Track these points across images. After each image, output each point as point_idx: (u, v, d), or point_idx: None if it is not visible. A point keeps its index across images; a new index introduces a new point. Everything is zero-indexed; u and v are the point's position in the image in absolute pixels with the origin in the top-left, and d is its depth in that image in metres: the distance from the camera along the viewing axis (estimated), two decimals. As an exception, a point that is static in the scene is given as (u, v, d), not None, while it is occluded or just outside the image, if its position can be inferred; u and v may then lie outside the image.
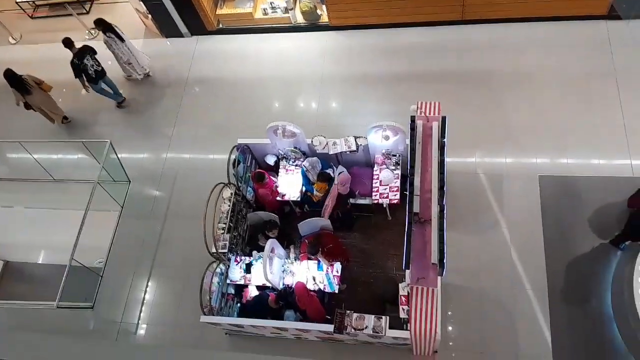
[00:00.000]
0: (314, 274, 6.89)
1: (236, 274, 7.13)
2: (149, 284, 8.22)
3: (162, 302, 8.04)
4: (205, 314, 6.49)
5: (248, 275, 7.11)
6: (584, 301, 6.88)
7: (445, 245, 5.37)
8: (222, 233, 7.04)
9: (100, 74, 9.49)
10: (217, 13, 10.47)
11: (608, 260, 7.03)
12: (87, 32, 11.22)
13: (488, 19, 9.33)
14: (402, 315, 6.05)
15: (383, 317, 6.03)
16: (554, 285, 7.02)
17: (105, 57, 9.68)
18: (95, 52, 9.37)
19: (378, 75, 9.39)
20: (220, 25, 10.58)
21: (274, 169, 7.89)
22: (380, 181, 7.35)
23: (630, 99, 8.16)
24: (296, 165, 7.71)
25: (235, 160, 7.35)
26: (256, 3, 10.33)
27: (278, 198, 7.62)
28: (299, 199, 7.60)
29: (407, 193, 5.88)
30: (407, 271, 5.56)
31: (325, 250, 6.95)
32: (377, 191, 7.33)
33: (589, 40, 8.87)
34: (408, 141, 6.36)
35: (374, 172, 7.46)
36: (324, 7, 9.92)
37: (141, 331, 7.85)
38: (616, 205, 7.32)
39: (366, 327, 5.98)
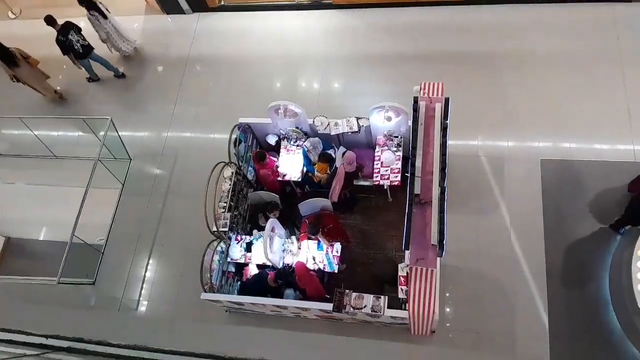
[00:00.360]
0: (314, 254, 6.93)
1: (237, 252, 7.18)
2: (150, 261, 8.27)
3: (162, 280, 8.11)
4: (205, 292, 6.55)
5: (248, 254, 7.16)
6: (582, 285, 6.92)
7: (445, 226, 5.39)
8: (223, 212, 7.06)
9: (88, 48, 9.38)
10: (219, -11, 10.32)
11: (607, 244, 7.06)
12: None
13: (494, 0, 9.19)
14: (401, 295, 6.11)
15: (382, 296, 6.08)
16: (552, 268, 7.07)
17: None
18: (79, 29, 9.26)
19: (381, 55, 9.29)
20: (222, 2, 10.41)
21: (275, 149, 7.86)
22: (382, 162, 7.34)
23: (634, 84, 8.08)
24: (297, 146, 7.68)
25: (236, 139, 7.33)
26: (259, -20, 10.18)
27: (279, 178, 7.61)
28: (299, 179, 7.60)
29: (409, 174, 5.88)
30: (407, 252, 5.59)
31: (326, 231, 6.98)
32: (378, 172, 7.32)
33: (595, 23, 8.75)
34: (410, 122, 6.32)
35: (376, 154, 7.44)
36: (327, -16, 9.78)
37: (142, 308, 7.92)
38: (617, 189, 7.32)
39: (365, 307, 6.03)
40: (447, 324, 6.97)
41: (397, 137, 7.41)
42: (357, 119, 7.37)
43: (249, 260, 7.15)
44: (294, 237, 7.18)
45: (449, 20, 9.33)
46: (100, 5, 9.22)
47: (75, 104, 10.02)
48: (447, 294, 7.13)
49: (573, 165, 7.68)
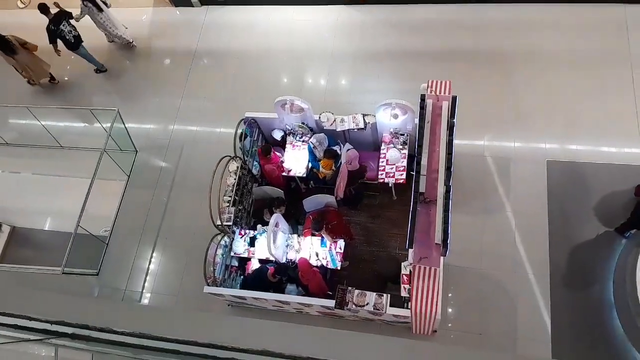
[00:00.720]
0: (317, 250, 6.92)
1: (240, 246, 7.19)
2: (154, 253, 8.30)
3: (166, 272, 8.14)
4: (208, 285, 6.57)
5: (252, 249, 7.16)
6: (586, 287, 6.89)
7: (449, 226, 5.37)
8: (228, 206, 7.06)
9: (79, 39, 9.45)
10: (228, -18, 10.29)
11: (612, 248, 7.02)
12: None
13: (504, -1, 9.14)
14: (403, 293, 6.10)
15: (384, 295, 6.08)
16: (556, 270, 7.03)
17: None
18: (72, 17, 9.31)
19: (389, 52, 9.25)
20: (231, -4, 10.41)
21: (281, 144, 7.86)
22: (387, 160, 7.31)
23: (644, 86, 8.02)
24: (303, 141, 7.67)
25: (242, 133, 7.33)
26: (268, -26, 10.14)
27: (284, 174, 7.61)
28: (304, 175, 7.59)
29: (414, 173, 5.86)
30: (410, 250, 5.59)
31: (330, 227, 6.97)
32: (384, 170, 7.30)
33: (606, 24, 8.66)
34: (417, 120, 6.30)
35: (381, 151, 7.41)
36: (337, -20, 9.74)
37: (145, 300, 7.96)
38: (623, 193, 7.27)
39: (367, 304, 6.04)
40: (449, 324, 6.96)
41: (403, 135, 7.39)
42: (364, 115, 7.35)
43: (252, 255, 7.16)
44: (295, 235, 7.18)
45: (458, 18, 9.27)
46: None
47: (82, 94, 10.04)
48: (450, 294, 7.12)
49: (579, 167, 7.64)
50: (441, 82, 6.35)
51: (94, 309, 3.14)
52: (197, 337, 2.72)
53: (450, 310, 7.06)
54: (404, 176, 7.18)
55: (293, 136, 7.74)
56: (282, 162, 7.66)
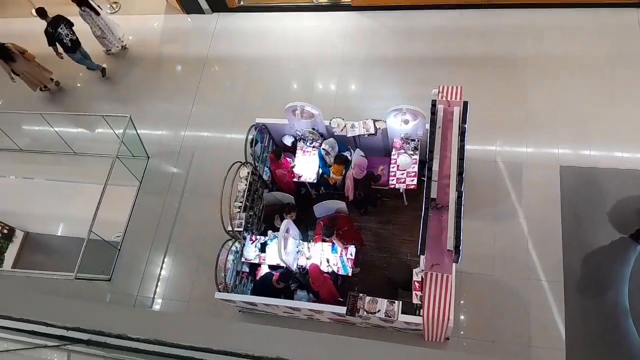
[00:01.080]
0: (328, 256, 6.91)
1: (251, 252, 7.19)
2: (165, 259, 8.33)
3: (177, 278, 8.16)
4: (220, 291, 6.57)
5: (262, 255, 7.17)
6: (600, 294, 6.80)
7: (461, 232, 5.33)
8: (238, 212, 7.08)
9: (76, 43, 9.70)
10: (238, -10, 10.38)
11: (627, 254, 6.93)
12: (109, 5, 11.21)
13: (513, 4, 9.09)
14: (415, 300, 6.05)
15: (396, 301, 6.04)
16: (570, 277, 6.95)
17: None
18: (71, 24, 9.58)
19: (399, 58, 9.24)
20: (242, 3, 10.47)
21: (292, 150, 7.87)
22: (398, 166, 7.29)
23: (659, 91, 7.94)
24: (313, 147, 7.68)
25: (252, 139, 7.35)
26: (278, -19, 10.21)
27: (294, 179, 7.62)
28: (315, 181, 7.60)
29: (425, 178, 5.83)
30: (422, 257, 5.55)
31: (340, 233, 6.96)
32: (394, 176, 7.28)
33: (618, 28, 8.60)
34: (428, 126, 6.28)
35: (392, 157, 7.40)
36: (346, -14, 9.77)
37: (156, 306, 7.99)
38: (638, 199, 7.19)
39: (378, 311, 6.00)
40: (461, 332, 6.90)
41: (413, 140, 7.37)
42: (374, 121, 7.35)
43: (262, 261, 7.16)
44: (305, 242, 7.16)
45: (469, 23, 9.25)
46: (92, 2, 9.57)
47: (92, 101, 10.14)
48: (462, 301, 7.05)
49: (593, 172, 7.56)
50: (452, 88, 6.33)
51: (109, 315, 3.16)
52: (212, 344, 2.73)
53: (462, 317, 6.99)
54: (414, 182, 7.16)
55: (303, 142, 7.76)
56: (293, 167, 7.67)
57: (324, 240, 7.00)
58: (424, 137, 7.10)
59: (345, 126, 7.43)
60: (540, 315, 6.81)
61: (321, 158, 7.54)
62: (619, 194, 7.31)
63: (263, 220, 7.73)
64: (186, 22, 10.76)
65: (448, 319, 5.41)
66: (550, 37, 8.79)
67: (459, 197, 5.54)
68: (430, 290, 5.42)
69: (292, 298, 6.87)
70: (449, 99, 6.24)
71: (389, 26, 9.63)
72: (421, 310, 5.54)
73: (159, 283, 8.15)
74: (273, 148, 7.93)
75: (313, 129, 7.57)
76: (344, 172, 7.28)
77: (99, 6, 9.74)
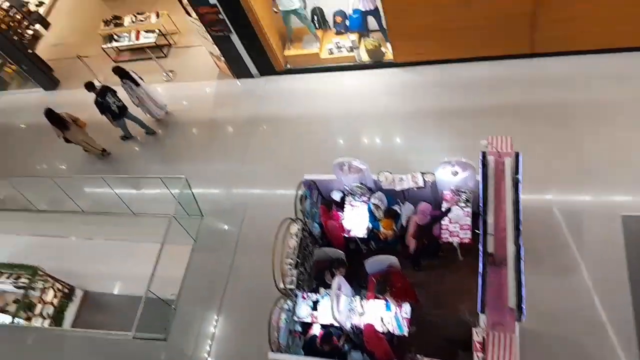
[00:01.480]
0: (382, 315, 6.72)
1: (304, 311, 7.09)
2: (219, 318, 8.36)
3: (230, 337, 8.15)
4: (273, 351, 6.48)
5: (315, 313, 7.05)
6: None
7: (523, 288, 5.11)
8: (290, 268, 7.08)
9: (122, 109, 10.43)
10: (285, 54, 10.91)
11: None
12: (164, 74, 12.00)
13: (557, 52, 9.05)
14: (476, 361, 5.75)
15: (456, 363, 5.76)
16: (644, 333, 6.45)
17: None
18: (115, 92, 10.35)
19: (443, 110, 9.29)
20: (288, 66, 10.97)
21: (340, 205, 7.91)
22: (450, 219, 7.16)
23: None
24: (362, 201, 7.69)
25: (302, 196, 7.44)
26: (322, 43, 10.67)
27: (344, 235, 7.60)
28: (365, 236, 7.54)
29: (480, 232, 5.69)
30: (482, 315, 5.32)
31: (394, 290, 6.79)
32: (447, 229, 7.13)
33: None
34: (478, 177, 6.19)
35: (442, 208, 7.27)
36: (388, 44, 10.07)
37: (209, 366, 7.97)
38: None
39: (438, 373, 5.73)
40: (527, 396, 6.45)
41: (464, 192, 7.26)
42: (422, 174, 7.31)
43: (315, 320, 7.03)
44: (357, 297, 7.03)
45: (514, 73, 9.25)
46: (133, 74, 10.32)
47: (146, 162, 10.74)
48: (525, 361, 6.64)
49: (659, 220, 7.15)
50: (502, 138, 6.26)
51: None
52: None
53: (527, 380, 6.56)
54: (469, 235, 6.98)
55: (352, 196, 7.79)
56: (343, 221, 7.68)
57: (377, 297, 6.85)
58: (475, 188, 6.99)
59: (393, 179, 7.43)
60: (613, 375, 6.30)
61: (370, 212, 7.52)
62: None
63: (314, 278, 7.69)
64: (236, 86, 11.33)
65: (514, 382, 5.10)
66: (599, 82, 8.64)
67: (518, 251, 5.35)
68: (493, 351, 5.15)
69: (345, 359, 6.68)
70: (499, 149, 6.17)
71: (432, 80, 9.77)
72: (484, 373, 5.25)
73: (212, 342, 8.14)
74: (322, 203, 8.01)
75: (361, 183, 7.61)
76: (394, 226, 7.21)
77: (140, 77, 10.51)
